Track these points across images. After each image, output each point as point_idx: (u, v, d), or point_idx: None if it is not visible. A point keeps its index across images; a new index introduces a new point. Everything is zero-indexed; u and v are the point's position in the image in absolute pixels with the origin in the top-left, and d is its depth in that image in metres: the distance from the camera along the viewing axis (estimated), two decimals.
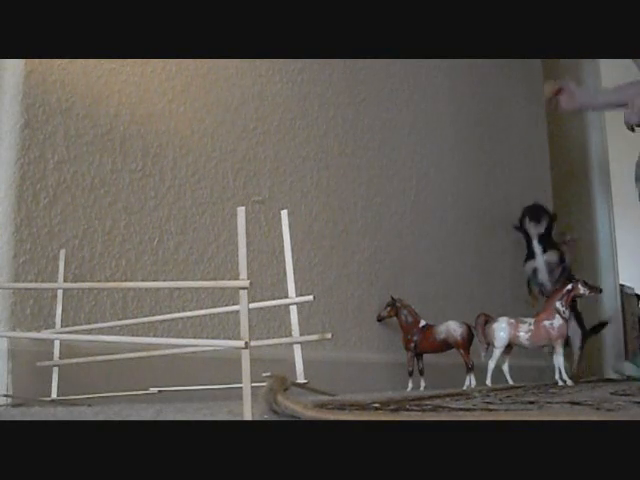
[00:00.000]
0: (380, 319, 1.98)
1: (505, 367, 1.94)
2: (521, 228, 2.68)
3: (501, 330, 1.89)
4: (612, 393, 1.44)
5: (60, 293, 1.17)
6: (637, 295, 4.22)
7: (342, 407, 0.82)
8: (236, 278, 0.72)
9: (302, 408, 0.63)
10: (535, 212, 2.71)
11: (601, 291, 1.97)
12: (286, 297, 1.09)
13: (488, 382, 1.89)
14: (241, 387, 0.67)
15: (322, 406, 0.75)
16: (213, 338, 1.48)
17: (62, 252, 1.18)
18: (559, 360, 1.89)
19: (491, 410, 0.87)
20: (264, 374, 0.87)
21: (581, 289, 1.89)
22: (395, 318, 1.96)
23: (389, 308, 1.96)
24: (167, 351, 1.20)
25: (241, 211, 0.72)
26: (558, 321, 1.85)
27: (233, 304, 1.48)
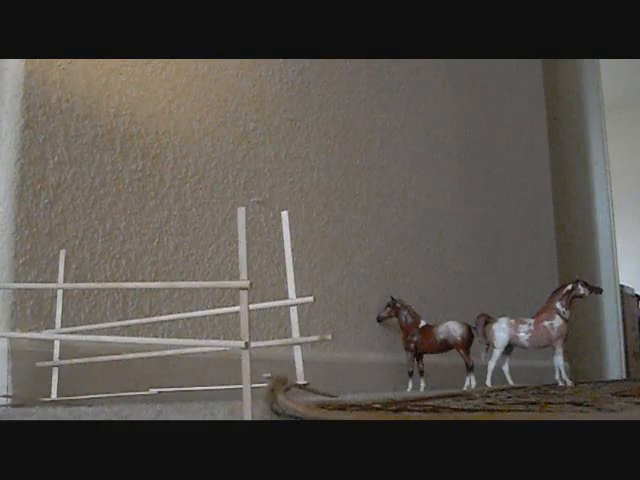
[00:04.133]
0: (380, 319, 1.98)
1: (505, 367, 1.94)
2: None
3: (501, 330, 1.89)
4: (613, 394, 1.44)
5: (60, 293, 1.17)
6: (637, 295, 4.22)
7: (343, 408, 0.82)
8: (236, 278, 0.72)
9: (304, 409, 0.63)
10: None
11: (601, 291, 1.97)
12: (286, 298, 1.09)
13: (488, 382, 1.89)
14: (241, 387, 0.67)
15: (324, 407, 0.75)
16: (213, 338, 1.48)
17: (62, 252, 1.18)
18: (559, 360, 1.88)
19: (493, 411, 0.87)
20: (265, 375, 0.87)
21: (581, 289, 1.89)
22: (395, 318, 1.96)
23: (389, 308, 1.96)
24: (167, 351, 1.20)
25: (241, 211, 0.72)
26: (558, 321, 1.85)
27: (233, 305, 1.48)
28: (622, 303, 3.83)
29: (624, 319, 3.84)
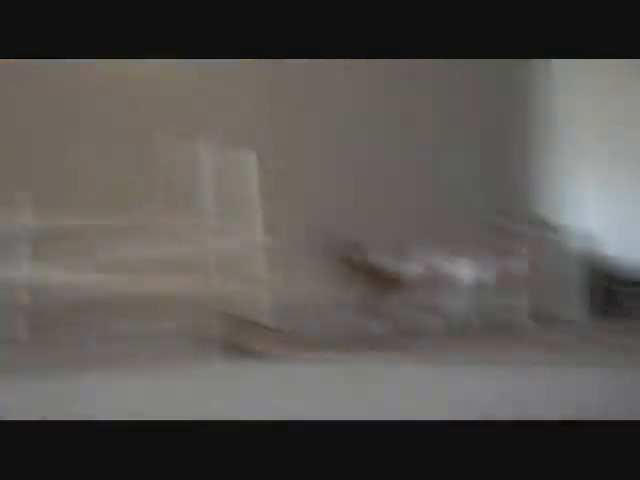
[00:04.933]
0: (342, 262, 1.98)
1: (469, 308, 1.94)
2: None
3: (465, 272, 1.89)
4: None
5: None
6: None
7: (304, 343, 0.82)
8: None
9: (269, 345, 0.63)
10: None
11: (552, 229, 1.97)
12: (252, 240, 1.09)
13: (451, 323, 1.89)
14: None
15: (288, 342, 0.75)
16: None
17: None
18: (517, 301, 1.89)
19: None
20: (228, 313, 0.88)
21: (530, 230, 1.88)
22: (359, 260, 1.96)
23: (354, 252, 1.96)
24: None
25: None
26: (517, 262, 1.86)
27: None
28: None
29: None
